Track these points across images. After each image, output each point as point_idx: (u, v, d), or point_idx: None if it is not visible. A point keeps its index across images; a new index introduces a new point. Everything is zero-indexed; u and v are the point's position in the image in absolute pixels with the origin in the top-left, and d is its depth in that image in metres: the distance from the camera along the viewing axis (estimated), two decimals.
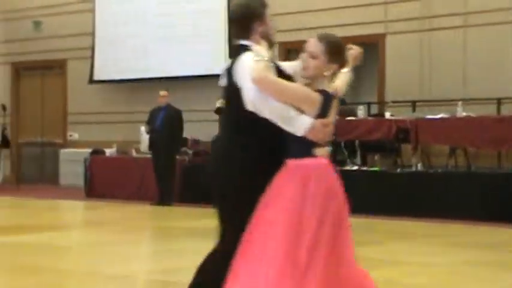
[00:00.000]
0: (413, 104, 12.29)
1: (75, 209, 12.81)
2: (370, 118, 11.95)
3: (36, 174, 17.60)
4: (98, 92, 16.55)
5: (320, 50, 3.72)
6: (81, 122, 16.82)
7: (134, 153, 13.95)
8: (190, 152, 13.50)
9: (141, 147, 13.46)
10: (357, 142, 11.90)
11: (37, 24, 17.25)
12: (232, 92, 3.76)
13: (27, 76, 17.97)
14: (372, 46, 12.68)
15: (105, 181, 13.77)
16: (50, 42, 17.13)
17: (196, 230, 9.33)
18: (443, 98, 12.04)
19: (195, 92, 14.97)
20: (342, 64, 3.81)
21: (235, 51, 3.85)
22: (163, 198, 12.32)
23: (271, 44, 3.86)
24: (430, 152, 11.94)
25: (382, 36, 13.11)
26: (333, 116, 3.71)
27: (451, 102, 11.65)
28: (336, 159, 11.60)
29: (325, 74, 3.72)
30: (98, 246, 8.21)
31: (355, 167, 11.56)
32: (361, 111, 11.92)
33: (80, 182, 14.48)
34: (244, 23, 3.86)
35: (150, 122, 12.65)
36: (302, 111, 3.63)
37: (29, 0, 17.48)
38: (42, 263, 6.88)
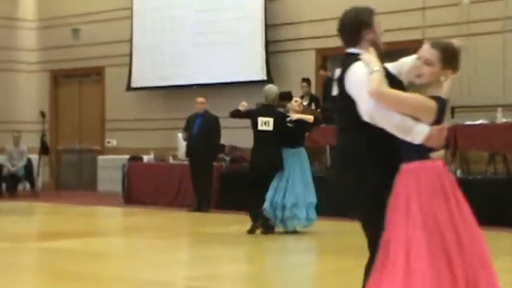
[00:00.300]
0: (452, 110, 12.21)
1: (113, 216, 12.93)
2: None
3: (74, 181, 17.83)
4: (135, 98, 16.70)
5: (435, 57, 3.77)
6: (119, 128, 16.98)
7: (171, 160, 14.03)
8: (227, 158, 13.55)
9: (178, 154, 13.56)
10: None
11: (75, 32, 17.48)
12: (345, 101, 3.84)
13: (66, 83, 18.23)
14: (410, 52, 12.62)
15: (143, 187, 13.87)
16: (88, 49, 17.35)
17: (232, 237, 9.37)
18: (482, 104, 11.94)
19: (233, 99, 15.01)
20: (455, 69, 3.87)
21: (345, 59, 3.93)
22: (201, 205, 12.38)
23: (379, 51, 3.92)
24: (469, 159, 11.85)
25: (420, 42, 13.05)
26: (445, 121, 3.80)
27: (490, 108, 11.55)
28: None
29: (441, 79, 3.79)
30: (135, 252, 8.29)
31: None
32: None
33: (118, 188, 14.62)
34: (353, 32, 3.96)
35: (187, 129, 12.72)
36: (418, 119, 3.70)
37: (68, 8, 17.72)
38: (80, 269, 6.98)
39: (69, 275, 6.69)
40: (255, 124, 9.65)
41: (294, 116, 9.49)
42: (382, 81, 3.69)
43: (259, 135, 9.61)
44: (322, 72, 13.23)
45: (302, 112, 9.68)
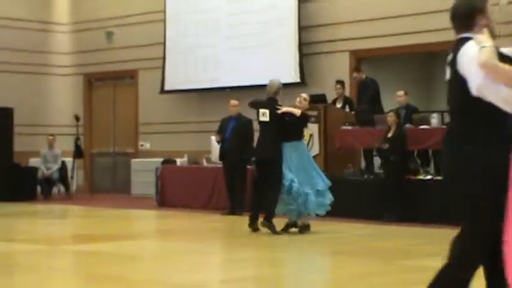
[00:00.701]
0: None
1: (146, 219, 13.02)
2: (443, 127, 11.81)
3: (108, 184, 17.99)
4: (168, 101, 16.80)
5: None
6: (152, 131, 17.09)
7: (205, 163, 14.07)
8: None
9: (212, 157, 13.58)
10: (430, 151, 11.78)
11: (109, 35, 17.64)
12: (458, 83, 3.90)
13: (99, 86, 18.41)
14: (444, 54, 12.53)
15: (176, 191, 13.92)
16: (122, 52, 17.49)
17: (264, 241, 9.36)
18: None
19: None
20: None
21: (457, 43, 3.99)
22: (234, 208, 12.42)
23: (493, 36, 3.95)
24: None
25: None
26: None
27: None
28: (409, 168, 11.53)
29: None
30: (168, 255, 8.35)
31: (429, 176, 11.44)
32: (434, 120, 11.80)
33: (151, 191, 14.71)
34: (467, 18, 4.00)
35: (220, 132, 12.75)
36: None
37: (101, 11, 17.89)
38: (114, 272, 7.05)
39: (102, 277, 6.77)
40: (257, 115, 9.95)
41: (282, 109, 9.67)
42: (492, 55, 3.75)
43: (260, 126, 10.01)
44: (355, 74, 13.19)
45: (302, 108, 9.81)
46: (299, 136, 9.82)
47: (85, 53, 18.31)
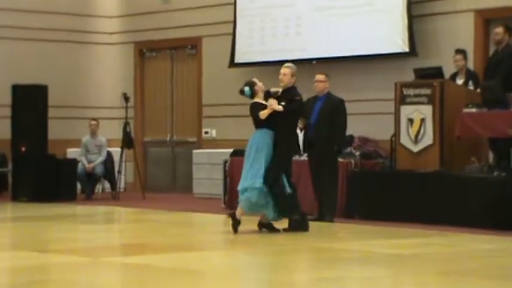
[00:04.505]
0: None
1: (212, 224, 13.08)
2: None
3: (164, 181, 18.16)
4: (240, 77, 16.74)
5: None
6: (219, 115, 17.15)
7: None
8: (356, 153, 13.47)
9: None
10: None
11: None
12: None
13: (154, 58, 18.54)
14: None
15: None
16: (182, 15, 17.60)
17: (365, 254, 9.33)
18: None
19: (363, 77, 14.92)
20: None
21: None
22: (323, 213, 12.37)
23: None
24: None
25: None
26: None
27: None
28: None
29: None
30: (239, 272, 8.37)
31: None
32: None
33: (218, 190, 14.79)
34: None
35: (304, 115, 12.70)
36: None
37: None
38: None
39: None
40: None
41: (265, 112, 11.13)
42: None
43: None
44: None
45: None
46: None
47: (136, 17, 18.48)
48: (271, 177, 10.96)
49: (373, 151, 13.67)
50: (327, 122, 12.43)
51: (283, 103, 11.06)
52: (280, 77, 11.42)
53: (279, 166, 11.07)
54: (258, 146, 11.06)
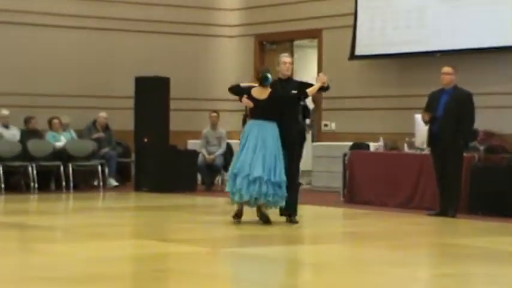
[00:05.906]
0: None
1: (331, 218, 13.04)
2: None
3: None
4: (361, 70, 16.73)
5: None
6: (339, 108, 17.11)
7: (407, 149, 13.94)
8: (481, 147, 13.24)
9: (416, 141, 13.45)
10: None
11: None
12: None
13: (274, 51, 18.55)
14: None
15: (369, 183, 13.88)
16: (301, 7, 17.62)
17: (489, 251, 9.21)
18: None
19: (491, 69, 14.63)
20: None
21: None
22: (446, 208, 12.19)
23: None
24: None
25: None
26: None
27: None
28: None
29: None
30: (359, 266, 8.32)
31: None
32: None
33: (337, 183, 14.74)
34: None
35: (429, 109, 12.55)
36: None
37: None
38: (287, 282, 7.16)
39: None
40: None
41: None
42: None
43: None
44: None
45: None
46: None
47: (257, 9, 18.57)
48: (295, 170, 11.11)
49: (499, 145, 13.39)
50: (454, 115, 12.23)
51: (294, 91, 11.00)
52: (286, 66, 11.20)
53: (297, 159, 11.16)
54: (273, 137, 10.85)
